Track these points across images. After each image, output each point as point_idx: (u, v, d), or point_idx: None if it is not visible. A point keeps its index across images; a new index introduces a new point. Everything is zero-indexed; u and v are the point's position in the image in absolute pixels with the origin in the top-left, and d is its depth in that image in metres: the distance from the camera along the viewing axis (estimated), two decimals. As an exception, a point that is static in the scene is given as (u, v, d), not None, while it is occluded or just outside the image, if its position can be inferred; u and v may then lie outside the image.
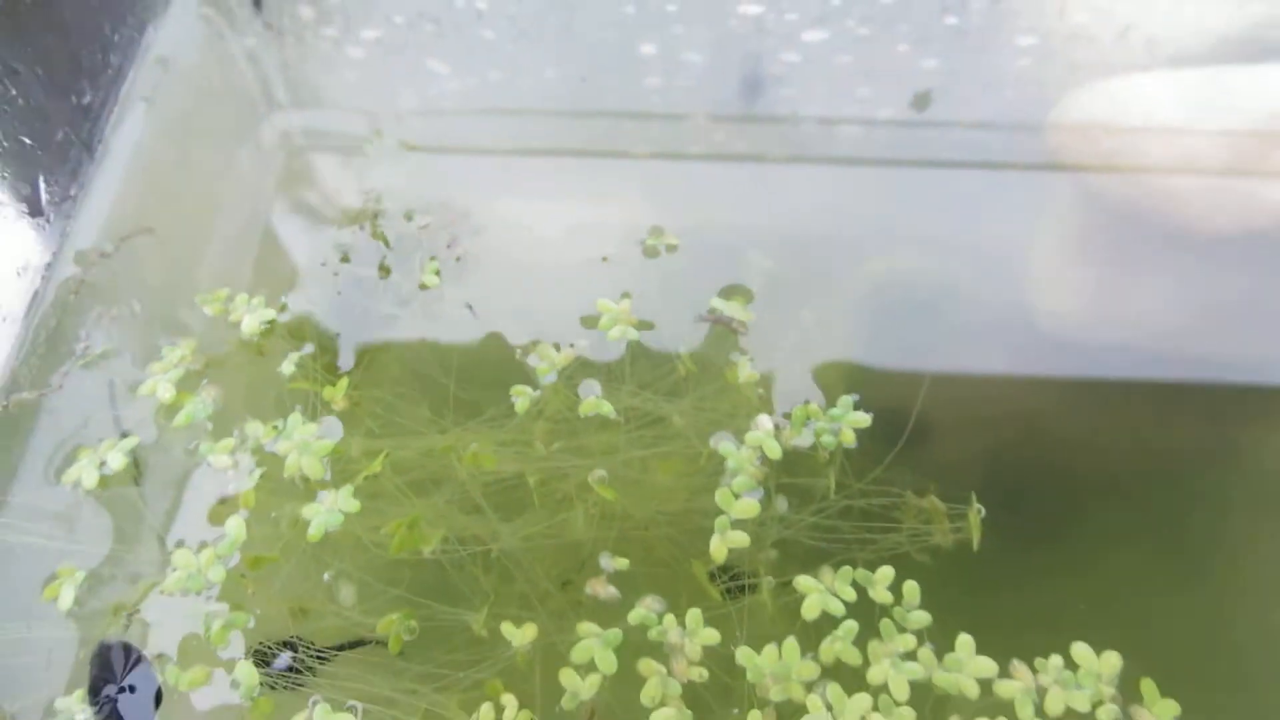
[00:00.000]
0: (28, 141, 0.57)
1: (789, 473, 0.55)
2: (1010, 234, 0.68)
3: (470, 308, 0.60)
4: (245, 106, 0.75)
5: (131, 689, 0.47)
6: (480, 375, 0.58)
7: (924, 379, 0.59)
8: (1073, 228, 0.71)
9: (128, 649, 0.48)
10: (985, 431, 0.59)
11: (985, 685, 0.48)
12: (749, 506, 0.52)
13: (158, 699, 0.48)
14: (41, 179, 0.58)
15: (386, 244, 0.62)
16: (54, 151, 0.59)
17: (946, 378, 0.60)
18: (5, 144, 0.55)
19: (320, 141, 0.73)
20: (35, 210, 0.57)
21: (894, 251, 0.67)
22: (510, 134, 0.73)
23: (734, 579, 0.52)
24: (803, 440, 0.55)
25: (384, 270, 0.61)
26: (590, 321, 0.59)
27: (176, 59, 0.73)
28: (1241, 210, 0.69)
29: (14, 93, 0.55)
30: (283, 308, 0.59)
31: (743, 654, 0.49)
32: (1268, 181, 0.69)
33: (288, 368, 0.57)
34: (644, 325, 0.59)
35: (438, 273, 0.61)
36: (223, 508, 0.53)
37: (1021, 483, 0.56)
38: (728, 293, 0.61)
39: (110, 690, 0.47)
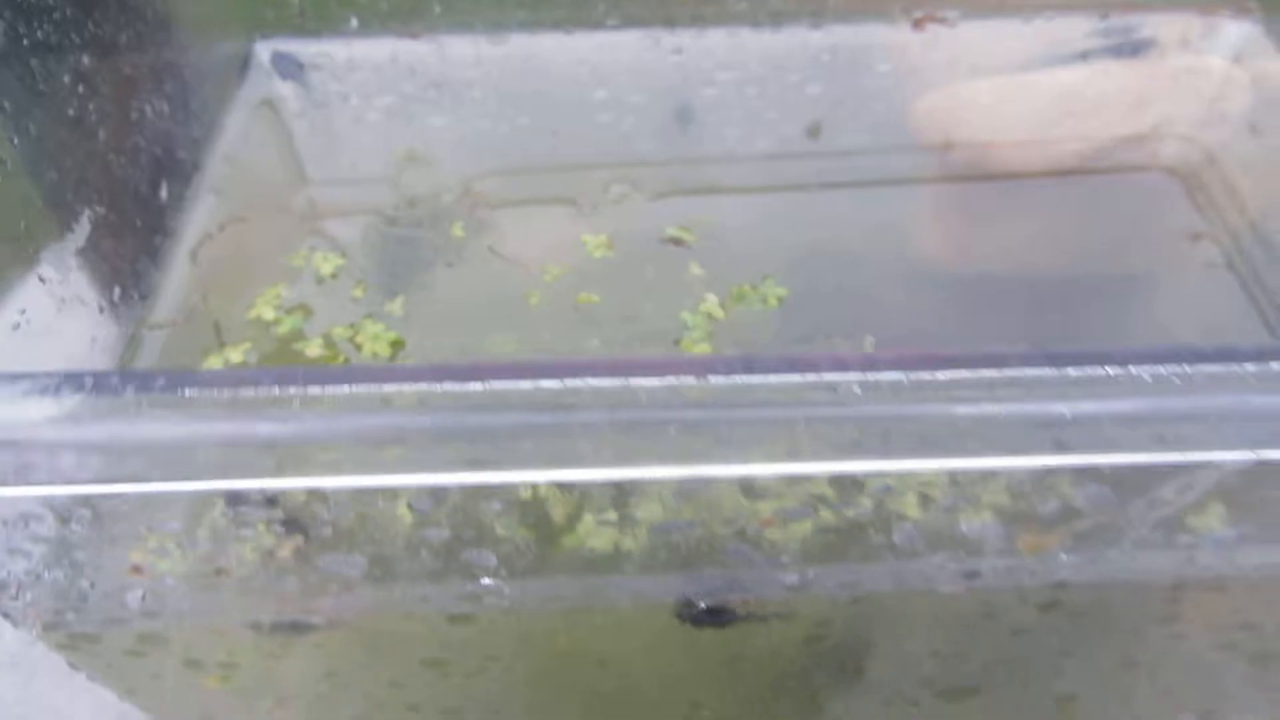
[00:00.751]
0: (158, 152, 0.78)
1: (735, 336, 0.75)
2: (887, 201, 0.93)
3: (491, 249, 0.81)
4: (290, 170, 0.98)
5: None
6: (501, 290, 0.78)
7: (833, 281, 0.81)
8: (934, 192, 0.96)
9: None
10: (881, 322, 0.80)
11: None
12: (704, 350, 0.72)
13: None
14: (166, 182, 0.79)
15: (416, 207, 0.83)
16: (175, 164, 0.81)
17: (852, 289, 0.82)
18: (145, 154, 0.76)
19: (354, 166, 0.96)
20: (168, 204, 0.78)
21: (807, 222, 0.90)
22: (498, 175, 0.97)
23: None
24: (740, 312, 0.76)
25: (421, 228, 0.82)
26: (581, 244, 0.81)
27: (249, 109, 0.96)
28: (1045, 161, 0.95)
29: (152, 116, 0.77)
30: (347, 258, 0.80)
31: (710, 435, 0.67)
32: (1059, 141, 0.96)
33: (357, 292, 0.77)
34: (614, 248, 0.81)
35: (463, 229, 0.82)
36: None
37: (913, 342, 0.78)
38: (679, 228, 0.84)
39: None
